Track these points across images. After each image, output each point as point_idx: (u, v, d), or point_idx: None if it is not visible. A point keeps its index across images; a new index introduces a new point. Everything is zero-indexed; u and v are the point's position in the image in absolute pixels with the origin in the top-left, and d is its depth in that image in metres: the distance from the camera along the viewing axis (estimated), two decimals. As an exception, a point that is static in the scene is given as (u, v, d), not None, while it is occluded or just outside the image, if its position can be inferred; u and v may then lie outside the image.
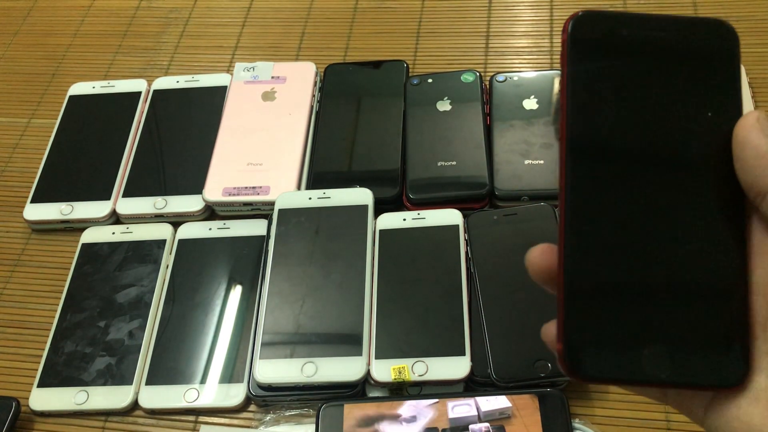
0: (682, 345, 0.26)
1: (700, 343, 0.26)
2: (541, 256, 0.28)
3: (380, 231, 0.62)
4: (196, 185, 0.67)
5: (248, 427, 0.56)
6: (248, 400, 0.56)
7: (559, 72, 0.71)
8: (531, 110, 0.68)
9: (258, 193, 0.65)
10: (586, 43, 0.28)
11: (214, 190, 0.66)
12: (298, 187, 0.66)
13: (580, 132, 0.28)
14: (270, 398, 0.56)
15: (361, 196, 0.64)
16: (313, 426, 0.53)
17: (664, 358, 0.26)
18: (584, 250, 0.27)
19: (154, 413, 0.57)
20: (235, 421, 0.56)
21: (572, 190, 0.28)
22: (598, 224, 0.27)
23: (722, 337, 0.26)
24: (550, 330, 0.27)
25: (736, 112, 0.27)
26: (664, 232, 0.27)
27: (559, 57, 0.74)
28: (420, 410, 0.52)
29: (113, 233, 0.66)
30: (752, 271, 0.27)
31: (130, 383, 0.57)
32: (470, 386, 0.55)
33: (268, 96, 0.73)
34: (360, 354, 0.55)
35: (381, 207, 0.64)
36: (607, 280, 0.27)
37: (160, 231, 0.66)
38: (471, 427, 0.51)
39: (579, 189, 0.28)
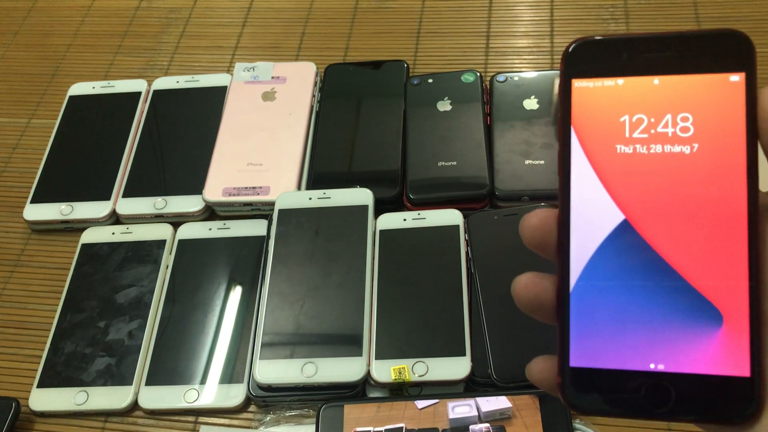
0: (686, 378, 0.25)
1: (706, 375, 0.25)
2: (526, 288, 0.27)
3: (380, 231, 0.62)
4: (196, 185, 0.67)
5: (248, 427, 0.56)
6: (248, 400, 0.56)
7: (559, 72, 0.71)
8: (531, 110, 0.68)
9: (258, 193, 0.65)
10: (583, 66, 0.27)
11: (214, 190, 0.66)
12: (298, 187, 0.66)
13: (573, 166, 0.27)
14: (270, 399, 0.56)
15: (361, 196, 0.64)
16: (313, 426, 0.53)
17: (667, 391, 0.25)
18: (586, 280, 0.26)
19: (153, 414, 0.57)
20: (235, 422, 0.56)
21: (573, 214, 0.27)
22: (599, 253, 0.26)
23: (730, 369, 0.24)
24: (537, 367, 0.27)
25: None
26: (663, 261, 0.26)
27: (559, 58, 0.74)
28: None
29: (113, 233, 0.66)
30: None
31: (130, 383, 0.57)
32: (470, 386, 0.55)
33: (268, 96, 0.73)
34: (360, 354, 0.55)
35: (381, 207, 0.64)
36: (609, 311, 0.26)
37: (160, 231, 0.66)
38: (471, 427, 0.51)
39: (579, 214, 0.27)
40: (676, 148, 0.26)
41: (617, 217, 0.26)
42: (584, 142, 0.27)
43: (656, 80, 0.27)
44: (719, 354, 0.25)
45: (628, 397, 0.25)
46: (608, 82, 0.27)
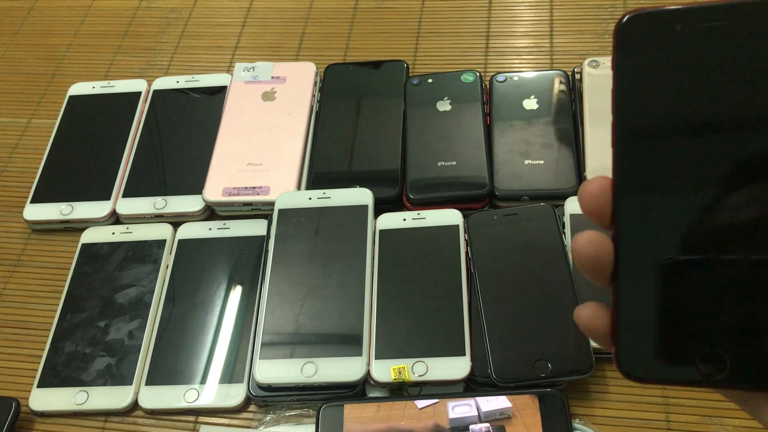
0: (742, 344, 0.25)
1: (761, 341, 0.25)
2: (589, 244, 0.26)
3: (380, 231, 0.62)
4: (196, 185, 0.67)
5: (248, 427, 0.56)
6: (248, 400, 0.56)
7: (558, 72, 0.71)
8: (531, 110, 0.68)
9: (258, 193, 0.65)
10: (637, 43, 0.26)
11: (214, 190, 0.66)
12: (298, 187, 0.66)
13: (631, 120, 0.26)
14: (270, 398, 0.56)
15: (361, 196, 0.64)
16: (313, 426, 0.53)
17: (721, 358, 0.25)
18: (642, 242, 0.26)
19: (154, 413, 0.57)
20: (235, 422, 0.56)
21: (625, 174, 0.26)
22: (655, 217, 0.26)
23: None
24: (584, 313, 0.26)
25: None
26: (727, 229, 0.25)
27: (559, 58, 0.74)
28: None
29: (113, 233, 0.66)
30: None
31: (130, 383, 0.57)
32: (470, 386, 0.55)
33: (268, 96, 0.73)
34: (360, 354, 0.55)
35: (381, 207, 0.64)
36: (666, 277, 0.26)
37: (160, 231, 0.66)
38: (471, 427, 0.51)
39: (632, 173, 0.26)
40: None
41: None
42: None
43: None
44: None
45: (684, 365, 0.25)
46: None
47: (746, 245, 0.25)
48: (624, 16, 0.26)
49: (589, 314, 0.27)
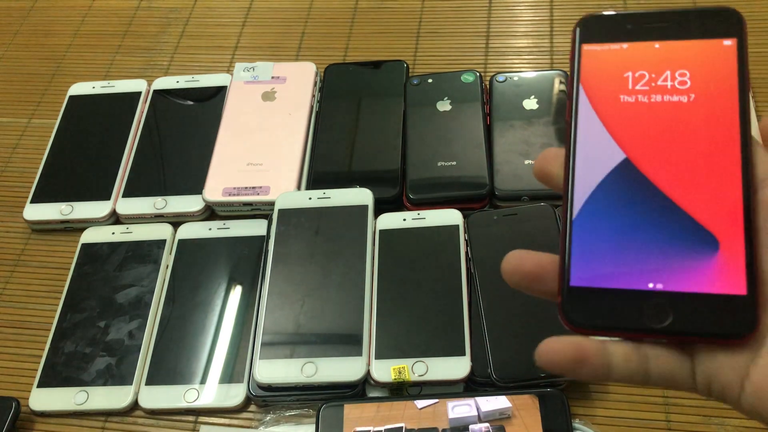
0: (684, 296, 0.26)
1: (703, 294, 0.26)
2: (519, 261, 0.29)
3: (380, 231, 0.62)
4: (196, 185, 0.67)
5: (248, 427, 0.56)
6: (248, 400, 0.56)
7: (558, 72, 0.71)
8: (531, 110, 0.68)
9: (258, 193, 0.65)
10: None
11: (214, 190, 0.66)
12: (298, 187, 0.66)
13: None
14: (270, 398, 0.56)
15: (361, 196, 0.64)
16: (313, 426, 0.53)
17: (665, 309, 0.26)
18: (588, 208, 0.28)
19: (154, 413, 0.57)
20: (235, 422, 0.56)
21: (578, 152, 0.29)
22: (602, 186, 0.28)
23: (726, 288, 0.26)
24: (547, 347, 0.27)
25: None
26: (661, 193, 0.27)
27: (559, 58, 0.74)
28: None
29: (113, 233, 0.66)
30: (758, 204, 0.26)
31: (130, 383, 0.57)
32: (470, 386, 0.55)
33: (268, 96, 0.73)
34: (360, 354, 0.55)
35: (381, 207, 0.64)
36: (609, 236, 0.27)
37: (160, 231, 0.66)
38: (471, 427, 0.51)
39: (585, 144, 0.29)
40: (675, 98, 0.29)
41: (619, 155, 0.28)
42: (590, 94, 0.30)
43: (657, 45, 0.30)
44: (716, 274, 0.26)
45: (627, 315, 0.26)
46: (614, 46, 0.30)
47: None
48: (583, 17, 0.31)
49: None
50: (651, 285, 0.26)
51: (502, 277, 0.29)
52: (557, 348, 0.27)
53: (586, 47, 0.30)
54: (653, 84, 0.29)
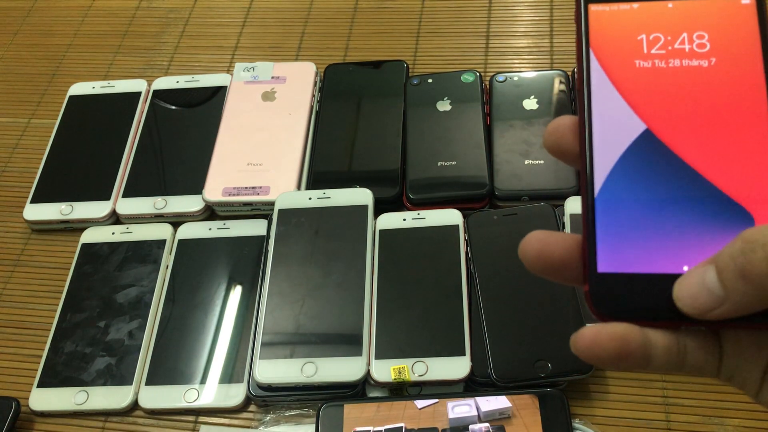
0: None
1: None
2: (539, 243, 0.26)
3: (380, 231, 0.62)
4: (196, 185, 0.67)
5: (248, 427, 0.56)
6: (248, 400, 0.56)
7: (558, 72, 0.71)
8: (531, 110, 0.68)
9: (258, 193, 0.65)
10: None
11: (214, 190, 0.66)
12: (298, 187, 0.66)
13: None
14: (270, 398, 0.56)
15: (361, 196, 0.64)
16: (313, 426, 0.53)
17: None
18: (611, 187, 0.26)
19: (154, 413, 0.57)
20: (235, 422, 0.56)
21: (595, 125, 0.27)
22: (623, 161, 0.26)
23: None
24: (588, 340, 0.25)
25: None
26: (688, 167, 0.25)
27: (559, 58, 0.74)
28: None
29: (113, 233, 0.66)
30: None
31: (130, 383, 0.57)
32: (470, 386, 0.55)
33: (268, 96, 0.73)
34: (360, 354, 0.55)
35: (381, 207, 0.64)
36: (636, 217, 0.25)
37: (160, 231, 0.66)
38: (471, 427, 0.51)
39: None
40: (695, 62, 0.27)
41: (639, 126, 0.26)
42: (602, 60, 0.27)
43: (670, 4, 0.28)
44: None
45: (663, 302, 0.24)
46: (623, 6, 0.28)
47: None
48: None
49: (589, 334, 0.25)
50: (686, 268, 0.24)
51: (523, 263, 0.26)
52: (600, 341, 0.24)
53: (593, 7, 0.28)
54: (670, 47, 0.27)
